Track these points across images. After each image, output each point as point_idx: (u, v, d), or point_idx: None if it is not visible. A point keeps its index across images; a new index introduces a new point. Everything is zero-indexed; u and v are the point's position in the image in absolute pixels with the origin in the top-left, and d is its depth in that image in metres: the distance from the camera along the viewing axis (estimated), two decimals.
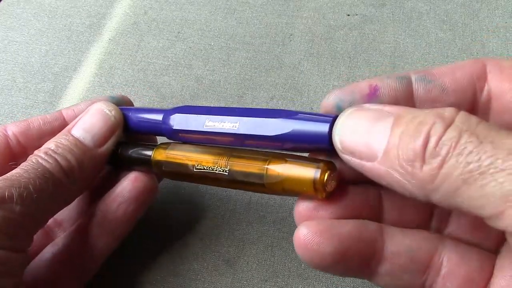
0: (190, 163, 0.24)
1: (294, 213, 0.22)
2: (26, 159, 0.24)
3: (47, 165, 0.23)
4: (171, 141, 0.26)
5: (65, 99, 0.36)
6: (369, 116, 0.19)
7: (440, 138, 0.16)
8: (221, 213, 0.30)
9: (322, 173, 0.20)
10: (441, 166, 0.16)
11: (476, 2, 0.39)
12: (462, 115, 0.17)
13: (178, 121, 0.25)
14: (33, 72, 0.38)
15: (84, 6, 0.41)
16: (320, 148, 0.21)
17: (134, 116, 0.27)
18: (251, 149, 0.24)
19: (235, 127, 0.23)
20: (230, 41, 0.38)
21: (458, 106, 0.19)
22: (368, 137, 0.18)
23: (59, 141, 0.25)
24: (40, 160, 0.23)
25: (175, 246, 0.29)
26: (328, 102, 0.21)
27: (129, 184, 0.26)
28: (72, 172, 0.24)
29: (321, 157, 0.22)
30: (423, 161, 0.17)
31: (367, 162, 0.18)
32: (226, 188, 0.31)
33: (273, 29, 0.39)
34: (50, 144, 0.25)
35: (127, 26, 0.40)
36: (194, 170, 0.24)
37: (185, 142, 0.26)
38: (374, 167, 0.18)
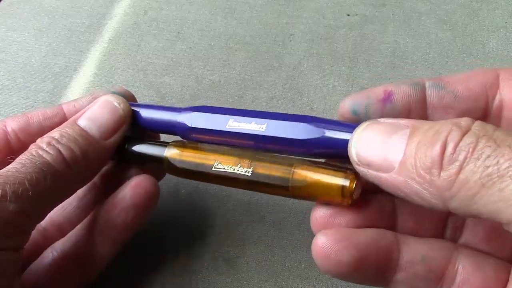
0: (208, 162, 0.24)
1: (310, 219, 0.22)
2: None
3: (48, 157, 0.22)
4: (184, 140, 0.26)
5: (65, 99, 0.36)
6: (384, 129, 0.19)
7: (457, 144, 0.16)
8: (221, 213, 0.30)
9: (352, 181, 0.21)
10: (458, 171, 0.16)
11: (476, 2, 0.39)
12: (479, 123, 0.17)
13: (197, 120, 0.25)
14: (33, 72, 0.38)
15: (84, 6, 0.41)
16: (345, 156, 0.21)
17: (144, 112, 0.27)
18: (273, 153, 0.24)
19: (262, 128, 0.23)
20: (230, 41, 0.38)
21: (470, 113, 0.20)
22: (385, 148, 0.18)
23: (64, 131, 0.24)
24: (40, 152, 0.23)
25: (175, 246, 0.29)
26: (344, 106, 0.22)
27: (129, 190, 0.25)
28: (76, 163, 0.23)
29: (336, 164, 0.22)
30: (441, 167, 0.16)
31: (384, 173, 0.18)
32: (227, 189, 0.31)
33: (273, 29, 0.39)
34: (54, 133, 0.24)
35: (127, 26, 0.40)
36: (213, 169, 0.24)
37: (200, 142, 0.25)
38: (391, 178, 0.18)
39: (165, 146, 0.26)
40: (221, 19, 0.40)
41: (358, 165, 0.19)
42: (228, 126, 0.24)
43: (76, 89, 0.37)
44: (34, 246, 0.25)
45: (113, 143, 0.25)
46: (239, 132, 0.23)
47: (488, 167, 0.15)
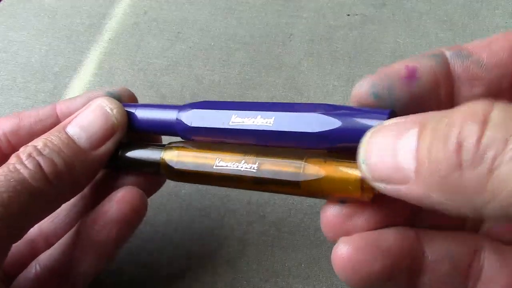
0: (209, 161, 0.21)
1: (321, 220, 0.19)
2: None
3: (25, 173, 0.21)
4: (184, 140, 0.24)
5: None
6: (391, 133, 0.16)
7: (479, 140, 0.13)
8: (221, 213, 0.30)
9: None
10: (491, 171, 0.13)
11: (476, 2, 0.39)
12: (499, 109, 0.14)
13: (197, 118, 0.22)
14: (33, 72, 0.38)
15: (84, 6, 0.41)
16: None
17: (141, 114, 0.24)
18: (283, 148, 0.21)
19: (270, 123, 0.20)
20: (230, 41, 0.38)
21: (499, 82, 0.18)
22: (395, 157, 0.16)
23: (49, 139, 0.22)
24: (18, 166, 0.21)
25: (174, 246, 0.29)
26: (361, 91, 0.18)
27: (113, 204, 0.23)
28: (58, 177, 0.21)
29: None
30: (461, 170, 0.14)
31: (402, 186, 0.15)
32: (226, 189, 0.31)
33: (273, 29, 0.39)
34: (38, 142, 0.22)
35: (127, 26, 0.40)
36: (214, 167, 0.21)
37: (202, 142, 0.23)
38: (410, 191, 0.15)
39: (162, 148, 0.24)
40: (221, 19, 0.40)
41: (373, 181, 0.17)
42: (232, 122, 0.21)
43: (76, 89, 0.37)
44: (21, 258, 0.24)
45: (105, 153, 0.23)
46: (244, 129, 0.21)
47: None
